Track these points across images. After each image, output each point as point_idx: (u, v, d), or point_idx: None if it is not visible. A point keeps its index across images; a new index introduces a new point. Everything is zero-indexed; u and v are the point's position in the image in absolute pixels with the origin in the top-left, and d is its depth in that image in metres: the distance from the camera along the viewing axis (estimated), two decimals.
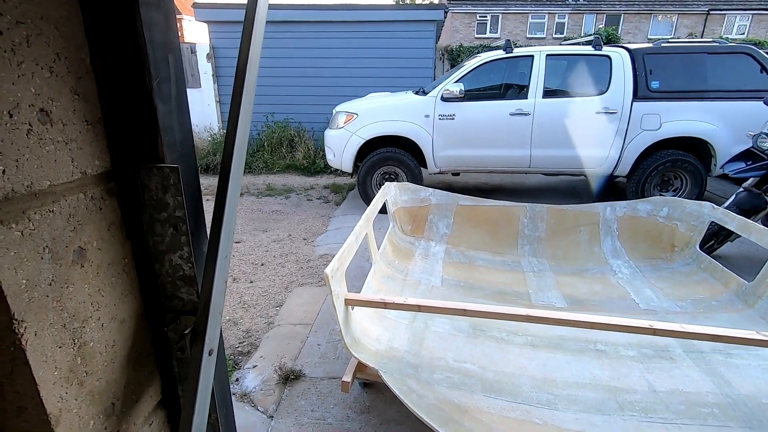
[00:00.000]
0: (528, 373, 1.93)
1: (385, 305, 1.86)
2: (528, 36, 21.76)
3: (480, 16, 21.75)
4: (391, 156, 4.51)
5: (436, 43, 13.23)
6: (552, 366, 1.99)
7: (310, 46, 7.20)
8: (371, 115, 4.56)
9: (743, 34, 20.49)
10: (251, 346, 2.51)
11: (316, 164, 6.79)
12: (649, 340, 2.13)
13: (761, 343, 1.69)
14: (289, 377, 2.19)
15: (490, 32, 21.90)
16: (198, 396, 0.61)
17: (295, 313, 2.82)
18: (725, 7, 20.43)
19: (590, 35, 5.55)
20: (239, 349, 2.49)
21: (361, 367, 1.90)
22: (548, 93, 4.42)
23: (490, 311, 1.76)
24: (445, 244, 3.30)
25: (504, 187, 5.96)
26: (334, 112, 4.85)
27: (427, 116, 4.48)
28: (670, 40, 4.77)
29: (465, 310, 1.78)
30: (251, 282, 3.29)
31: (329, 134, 4.77)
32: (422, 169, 4.74)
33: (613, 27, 21.00)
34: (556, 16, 21.66)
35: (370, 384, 2.11)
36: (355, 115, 4.57)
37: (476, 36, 21.57)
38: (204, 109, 7.87)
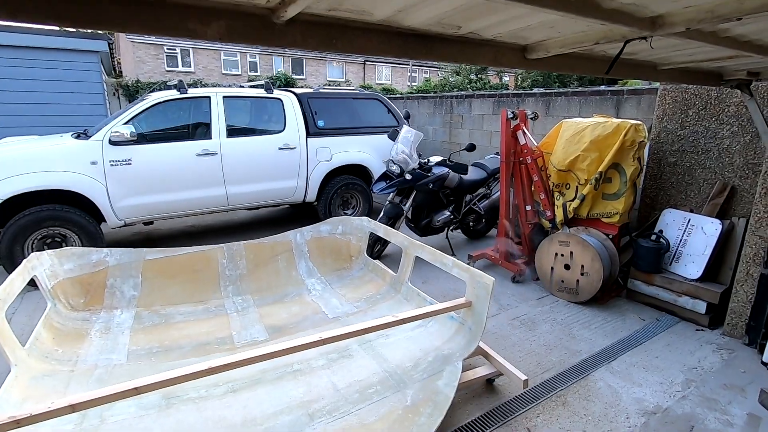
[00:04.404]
0: (228, 422, 1.89)
1: (17, 424, 1.43)
2: (224, 72, 22.16)
3: (168, 49, 20.60)
4: (48, 215, 3.59)
5: (111, 76, 11.69)
6: (253, 404, 2.02)
7: None
8: (5, 167, 3.51)
9: (389, 81, 27.36)
10: None
11: None
12: (333, 346, 2.47)
13: (397, 323, 2.23)
14: None
15: (183, 66, 21.06)
16: None
17: None
18: (373, 59, 26.84)
19: (260, 79, 6.12)
20: None
21: None
22: (232, 132, 4.56)
23: (164, 380, 1.63)
24: (135, 308, 2.88)
25: (214, 227, 5.77)
26: None
27: (94, 163, 3.81)
28: (325, 87, 5.81)
29: (136, 388, 1.58)
30: None
31: None
32: (104, 224, 4.02)
33: (298, 69, 24.10)
34: (248, 55, 22.97)
35: None
36: None
37: (167, 69, 20.32)
38: None
